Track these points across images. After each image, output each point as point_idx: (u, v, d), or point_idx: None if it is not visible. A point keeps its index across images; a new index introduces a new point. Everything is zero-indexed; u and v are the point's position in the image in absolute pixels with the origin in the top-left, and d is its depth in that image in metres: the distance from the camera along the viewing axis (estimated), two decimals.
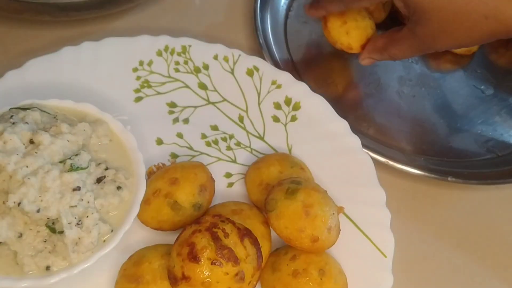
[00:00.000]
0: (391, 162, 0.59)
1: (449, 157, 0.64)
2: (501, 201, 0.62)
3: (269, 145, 0.59)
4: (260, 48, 0.66)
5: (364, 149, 0.57)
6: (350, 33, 0.63)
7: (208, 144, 0.58)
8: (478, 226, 0.60)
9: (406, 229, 0.58)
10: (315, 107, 0.59)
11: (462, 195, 0.62)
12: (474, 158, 0.65)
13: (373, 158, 0.57)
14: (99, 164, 0.49)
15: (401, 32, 0.57)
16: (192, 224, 0.45)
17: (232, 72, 0.62)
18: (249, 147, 0.58)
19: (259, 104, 0.61)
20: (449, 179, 0.59)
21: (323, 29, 0.65)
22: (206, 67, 0.62)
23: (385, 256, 0.50)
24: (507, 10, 0.50)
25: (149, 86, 0.61)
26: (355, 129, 0.59)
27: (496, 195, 0.62)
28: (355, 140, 0.57)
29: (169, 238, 0.48)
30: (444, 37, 0.54)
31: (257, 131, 0.59)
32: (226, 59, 0.63)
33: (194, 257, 0.42)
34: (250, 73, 0.62)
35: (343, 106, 0.65)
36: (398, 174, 0.60)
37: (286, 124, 0.60)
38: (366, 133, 0.64)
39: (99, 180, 0.48)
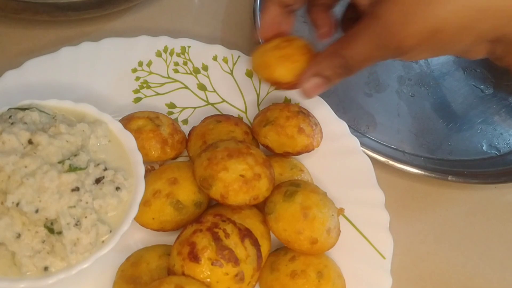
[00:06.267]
0: (390, 162, 0.59)
1: (449, 157, 0.64)
2: (501, 201, 0.62)
3: None
4: None
5: (363, 149, 0.57)
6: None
7: None
8: (478, 226, 0.60)
9: (406, 229, 0.58)
10: (314, 108, 0.59)
11: (462, 195, 0.62)
12: (474, 158, 0.65)
13: (372, 158, 0.57)
14: (98, 164, 0.48)
15: (358, 24, 0.42)
16: (193, 223, 0.45)
17: (231, 73, 0.62)
18: None
19: (258, 105, 0.61)
20: (449, 178, 0.59)
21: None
22: (205, 68, 0.62)
23: (384, 258, 0.50)
24: None
25: (148, 87, 0.60)
26: (354, 129, 0.58)
27: (496, 195, 0.62)
28: (354, 142, 0.57)
29: (167, 238, 0.48)
30: (418, 18, 0.37)
31: None
32: (225, 60, 0.62)
33: (194, 257, 0.42)
34: (249, 74, 0.62)
35: (343, 106, 0.65)
36: (398, 174, 0.60)
37: None
38: (365, 133, 0.64)
39: (98, 181, 0.47)
